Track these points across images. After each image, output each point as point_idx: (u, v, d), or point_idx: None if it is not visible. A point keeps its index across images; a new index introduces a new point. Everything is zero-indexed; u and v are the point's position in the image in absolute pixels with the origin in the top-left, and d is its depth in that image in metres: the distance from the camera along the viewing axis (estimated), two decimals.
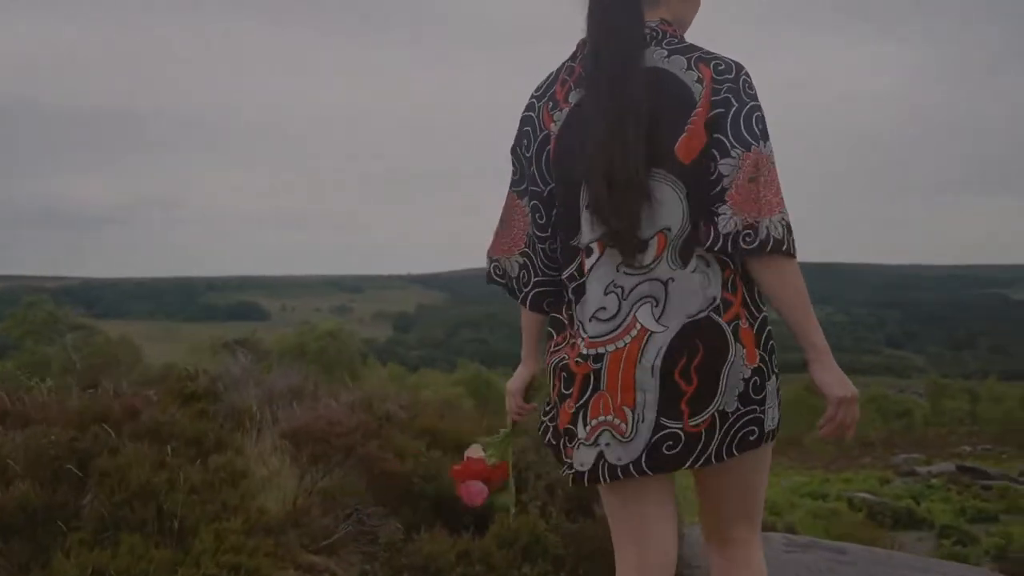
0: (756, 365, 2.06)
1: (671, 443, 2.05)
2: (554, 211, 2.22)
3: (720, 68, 2.08)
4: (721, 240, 2.03)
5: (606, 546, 2.35)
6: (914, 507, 29.90)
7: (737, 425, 2.07)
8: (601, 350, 2.09)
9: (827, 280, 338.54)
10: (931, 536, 25.67)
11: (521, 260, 2.33)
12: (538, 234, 2.27)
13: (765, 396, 2.10)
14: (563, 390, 2.18)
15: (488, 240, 2.33)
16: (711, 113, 2.04)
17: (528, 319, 2.41)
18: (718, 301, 2.06)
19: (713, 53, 2.11)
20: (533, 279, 2.32)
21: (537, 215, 2.26)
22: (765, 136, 2.03)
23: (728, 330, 2.04)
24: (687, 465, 2.08)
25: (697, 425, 2.04)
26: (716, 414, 2.05)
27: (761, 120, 2.04)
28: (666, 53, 2.11)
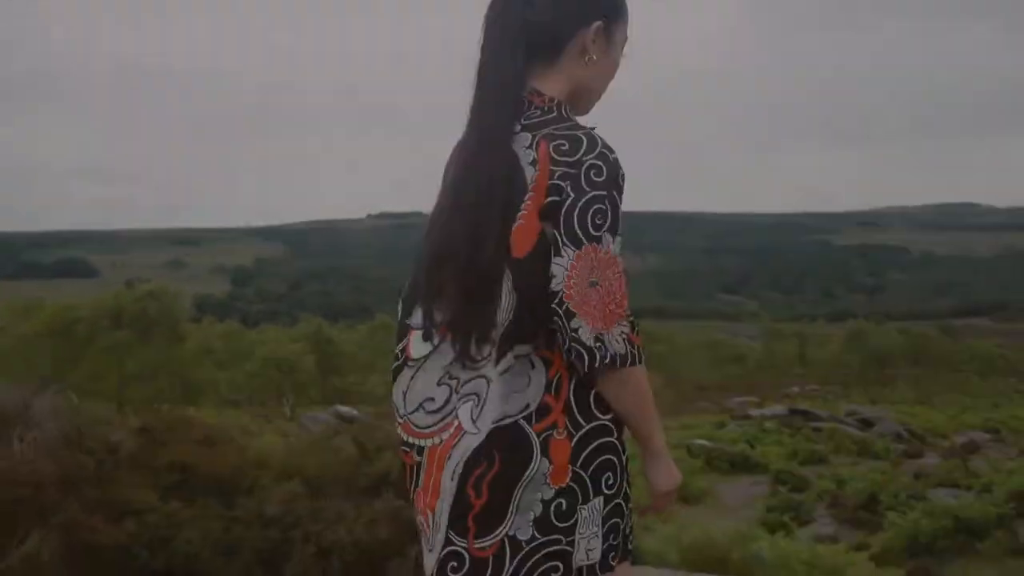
0: (565, 486, 1.82)
1: (455, 564, 1.85)
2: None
3: (562, 148, 1.86)
4: (565, 346, 1.84)
5: None
6: (749, 452, 30.67)
7: (534, 559, 1.81)
8: (423, 443, 1.95)
9: (663, 228, 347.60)
10: (766, 480, 26.29)
11: None
12: None
13: (575, 524, 1.82)
14: None
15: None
16: (545, 201, 1.84)
17: None
18: (532, 408, 1.85)
19: (568, 128, 1.90)
20: None
21: None
22: (610, 231, 1.83)
23: (535, 441, 1.82)
24: None
25: (483, 549, 1.82)
26: (506, 539, 1.81)
27: (603, 214, 1.82)
28: (518, 129, 1.92)
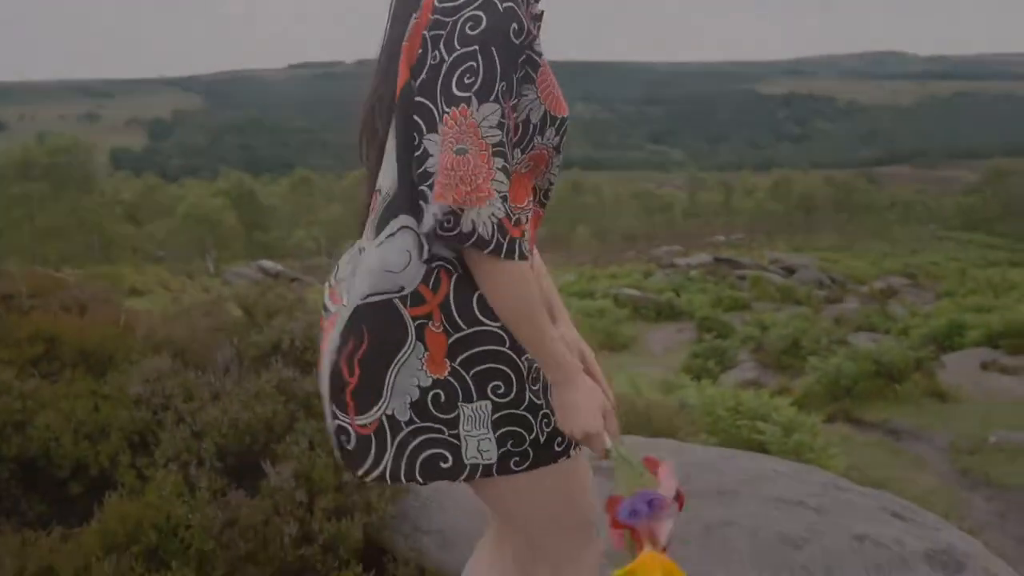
0: (443, 377, 1.70)
1: (344, 438, 1.78)
2: None
3: None
4: (426, 223, 1.64)
5: None
6: (675, 299, 31.10)
7: (415, 442, 1.73)
8: (330, 311, 1.85)
9: (592, 79, 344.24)
10: (691, 327, 26.69)
11: None
12: None
13: (457, 419, 1.71)
14: None
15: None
16: (417, 52, 1.66)
17: None
18: (407, 292, 1.70)
19: None
20: None
21: None
22: (482, 96, 1.57)
23: (410, 324, 1.70)
24: (363, 473, 1.77)
25: (364, 426, 1.75)
26: (385, 418, 1.73)
27: (472, 72, 1.57)
28: None
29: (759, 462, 3.22)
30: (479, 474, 1.76)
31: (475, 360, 1.71)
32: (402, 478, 1.75)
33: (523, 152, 1.72)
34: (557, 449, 1.79)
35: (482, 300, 1.69)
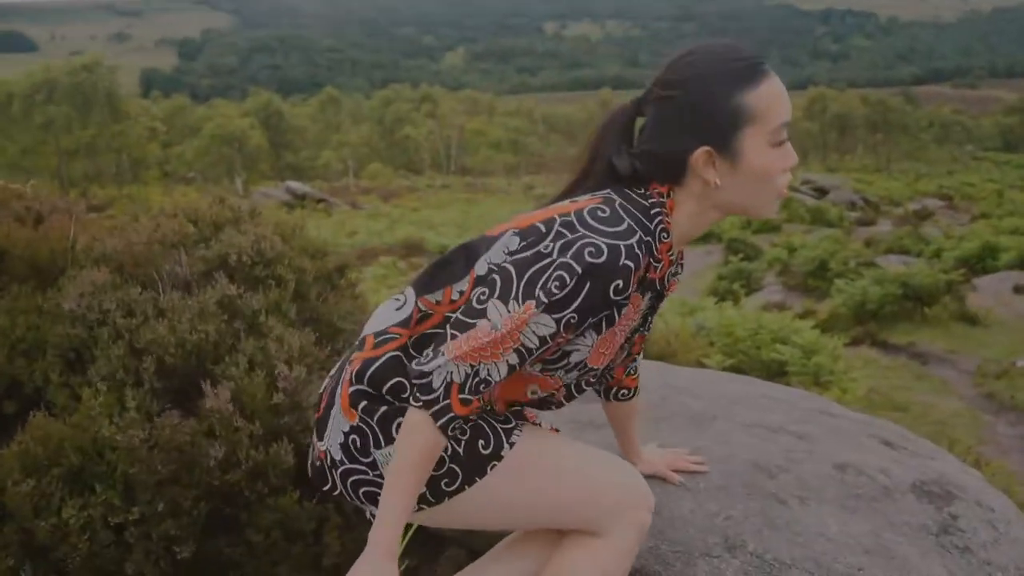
0: (355, 424, 1.82)
1: (313, 456, 1.92)
2: None
3: (582, 212, 1.75)
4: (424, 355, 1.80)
5: None
6: None
7: (351, 480, 1.84)
8: None
9: None
10: (719, 249, 26.34)
11: None
12: None
13: (376, 462, 1.82)
14: None
15: None
16: (542, 230, 1.80)
17: None
18: (379, 338, 1.87)
19: (606, 212, 1.75)
20: None
21: None
22: (552, 309, 1.68)
23: (348, 371, 1.87)
24: (326, 490, 1.90)
25: (320, 451, 1.88)
26: (328, 452, 1.85)
27: (562, 287, 1.68)
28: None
29: (749, 387, 3.01)
30: (417, 508, 1.82)
31: (384, 422, 1.80)
32: (357, 504, 1.87)
33: (540, 371, 1.85)
34: (484, 453, 1.82)
35: (399, 385, 1.80)
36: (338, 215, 36.59)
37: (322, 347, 2.60)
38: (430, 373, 1.68)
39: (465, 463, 1.80)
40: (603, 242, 1.65)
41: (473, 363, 1.67)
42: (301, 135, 73.74)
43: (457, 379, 1.67)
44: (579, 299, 1.65)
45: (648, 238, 1.73)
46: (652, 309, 1.89)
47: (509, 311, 1.66)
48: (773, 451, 2.40)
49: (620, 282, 1.66)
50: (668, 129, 1.76)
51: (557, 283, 1.65)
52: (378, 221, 32.04)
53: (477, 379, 1.68)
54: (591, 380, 1.91)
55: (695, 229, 1.82)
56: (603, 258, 1.64)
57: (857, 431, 2.63)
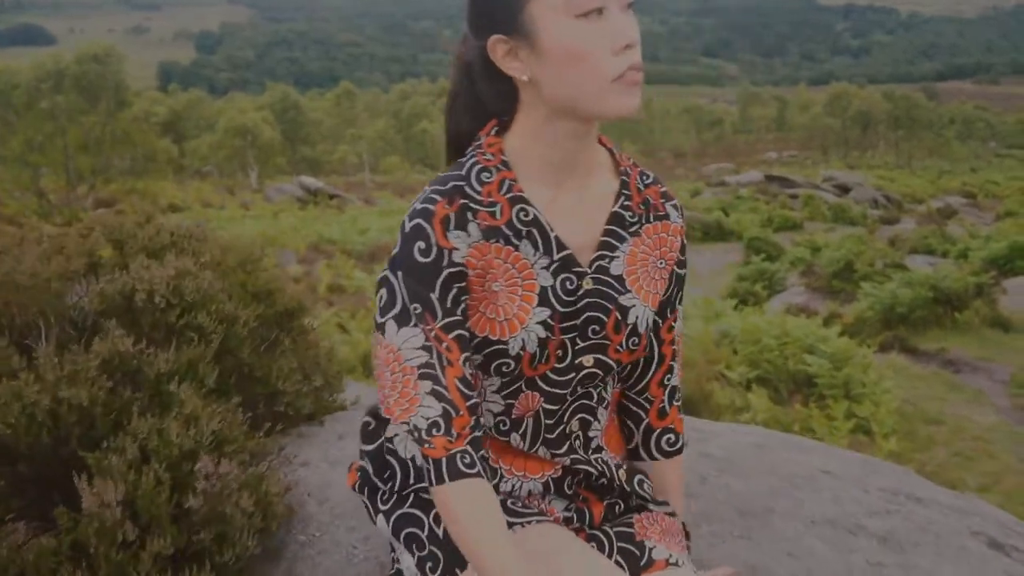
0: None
1: None
2: None
3: None
4: None
5: None
6: (723, 219, 30.06)
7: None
8: None
9: None
10: (739, 248, 25.72)
11: None
12: None
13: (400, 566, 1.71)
14: None
15: None
16: None
17: None
18: None
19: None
20: None
21: None
22: (401, 320, 1.53)
23: None
24: None
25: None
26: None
27: (391, 295, 1.55)
28: None
29: (805, 455, 2.44)
30: None
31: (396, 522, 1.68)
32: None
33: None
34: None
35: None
36: (351, 211, 36.11)
37: (255, 422, 2.01)
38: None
39: (445, 547, 1.56)
40: (400, 232, 1.52)
41: (404, 420, 1.48)
42: (317, 129, 73.30)
43: (413, 437, 1.49)
44: (405, 292, 1.49)
45: (453, 184, 1.50)
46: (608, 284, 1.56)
47: (384, 351, 1.51)
48: (856, 569, 1.79)
49: (420, 243, 1.47)
50: (476, 40, 1.51)
51: (384, 298, 1.52)
52: (391, 218, 31.53)
53: (428, 424, 1.46)
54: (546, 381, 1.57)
55: (555, 147, 1.51)
56: (398, 244, 1.50)
57: (954, 526, 2.03)
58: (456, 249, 1.48)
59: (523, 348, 1.51)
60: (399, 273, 1.50)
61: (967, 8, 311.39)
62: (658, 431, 1.73)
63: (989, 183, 48.05)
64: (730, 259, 24.32)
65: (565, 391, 1.56)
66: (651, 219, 1.61)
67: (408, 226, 1.49)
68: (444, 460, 1.46)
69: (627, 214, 1.58)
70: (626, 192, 1.59)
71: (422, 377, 1.48)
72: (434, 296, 1.49)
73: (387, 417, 1.54)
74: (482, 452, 1.52)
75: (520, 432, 1.58)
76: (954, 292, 15.85)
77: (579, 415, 1.61)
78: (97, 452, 1.71)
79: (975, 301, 15.97)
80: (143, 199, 35.21)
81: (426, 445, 1.46)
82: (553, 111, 1.48)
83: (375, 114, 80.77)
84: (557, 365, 1.55)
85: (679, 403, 1.77)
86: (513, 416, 1.58)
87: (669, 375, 1.74)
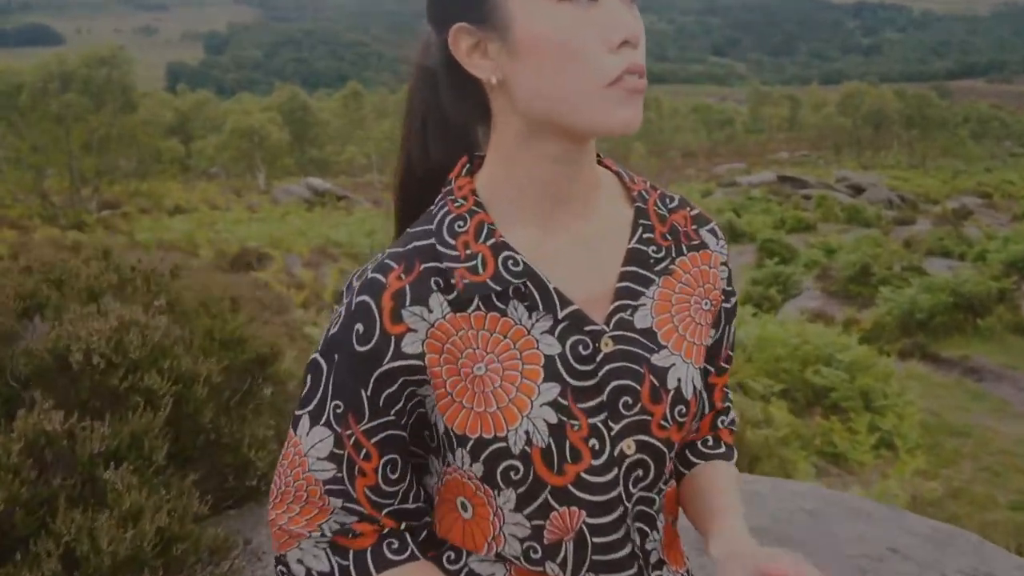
0: None
1: None
2: None
3: None
4: None
5: None
6: (735, 220, 29.71)
7: None
8: None
9: None
10: (752, 250, 25.36)
11: None
12: None
13: None
14: None
15: None
16: None
17: None
18: None
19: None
20: None
21: None
22: (314, 418, 1.21)
23: None
24: None
25: None
26: None
27: (313, 386, 1.23)
28: None
29: (869, 526, 2.08)
30: None
31: None
32: None
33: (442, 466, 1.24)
34: None
35: None
36: (359, 213, 35.82)
37: (223, 497, 1.63)
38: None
39: None
40: (341, 305, 1.20)
41: (293, 538, 1.20)
42: (325, 130, 73.06)
43: (307, 563, 1.20)
44: (329, 384, 1.16)
45: (416, 245, 1.15)
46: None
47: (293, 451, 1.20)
48: None
49: (359, 326, 1.12)
50: (438, 35, 1.16)
51: (306, 386, 1.18)
52: None
53: (327, 545, 1.19)
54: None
55: (537, 174, 1.14)
56: (336, 322, 1.16)
57: None
58: (410, 333, 1.14)
59: (528, 443, 1.14)
60: (333, 358, 1.17)
61: (980, 6, 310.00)
62: (696, 444, 1.38)
63: (1005, 183, 47.57)
64: (743, 261, 23.95)
65: (611, 494, 1.17)
66: (684, 251, 1.24)
67: (351, 301, 1.15)
68: (368, 551, 1.19)
69: (649, 249, 1.22)
70: (644, 222, 1.23)
71: (330, 493, 1.19)
72: (365, 393, 1.16)
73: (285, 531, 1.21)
74: (425, 534, 1.23)
75: (558, 561, 1.21)
76: (976, 297, 15.52)
77: (637, 524, 1.22)
78: (9, 566, 1.33)
79: (998, 306, 15.65)
80: (148, 200, 34.94)
81: (345, 537, 1.19)
82: (530, 126, 1.13)
83: (383, 114, 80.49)
84: (594, 462, 1.16)
85: (730, 427, 1.41)
86: (546, 542, 1.20)
87: (723, 416, 1.38)
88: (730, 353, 1.36)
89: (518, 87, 1.10)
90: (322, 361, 1.18)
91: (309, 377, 1.19)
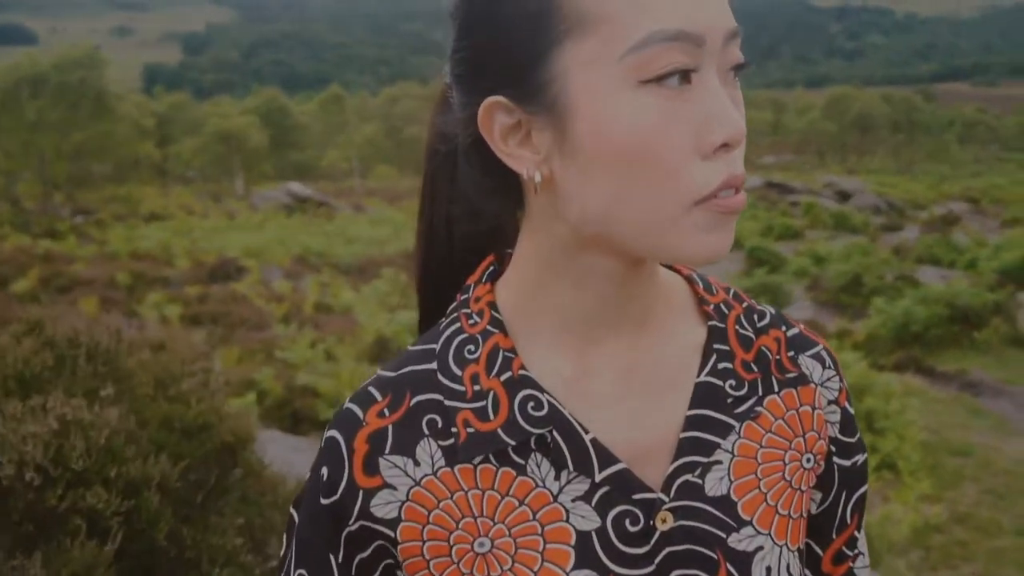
0: None
1: None
2: None
3: None
4: None
5: None
6: None
7: None
8: None
9: None
10: (740, 258, 25.08)
11: None
12: None
13: None
14: None
15: None
16: None
17: None
18: None
19: None
20: None
21: None
22: None
23: None
24: None
25: None
26: None
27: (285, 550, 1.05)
28: None
29: None
30: None
31: None
32: None
33: None
34: None
35: None
36: (340, 219, 35.27)
37: None
38: None
39: None
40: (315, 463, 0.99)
41: None
42: (305, 133, 72.43)
43: None
44: (291, 550, 0.91)
45: (411, 369, 0.89)
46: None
47: None
48: None
49: (326, 470, 0.88)
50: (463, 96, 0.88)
51: (285, 540, 0.95)
52: (382, 227, 30.67)
53: None
54: None
55: (583, 293, 0.86)
56: (308, 483, 0.94)
57: None
58: (386, 490, 0.86)
59: None
60: (299, 510, 0.92)
61: (965, 8, 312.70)
62: None
63: (993, 187, 47.72)
64: (731, 269, 23.63)
65: None
66: (775, 387, 0.90)
67: (324, 436, 0.91)
68: None
69: (727, 384, 0.89)
70: (721, 347, 0.89)
71: None
72: (334, 560, 0.89)
73: None
74: None
75: None
76: (971, 309, 15.20)
77: None
78: None
79: (994, 318, 15.34)
80: (124, 207, 34.30)
81: None
82: (580, 240, 0.84)
83: (364, 118, 79.97)
84: None
85: None
86: None
87: None
88: (856, 535, 0.99)
89: (572, 195, 0.81)
90: (293, 513, 0.94)
91: (285, 536, 0.95)
